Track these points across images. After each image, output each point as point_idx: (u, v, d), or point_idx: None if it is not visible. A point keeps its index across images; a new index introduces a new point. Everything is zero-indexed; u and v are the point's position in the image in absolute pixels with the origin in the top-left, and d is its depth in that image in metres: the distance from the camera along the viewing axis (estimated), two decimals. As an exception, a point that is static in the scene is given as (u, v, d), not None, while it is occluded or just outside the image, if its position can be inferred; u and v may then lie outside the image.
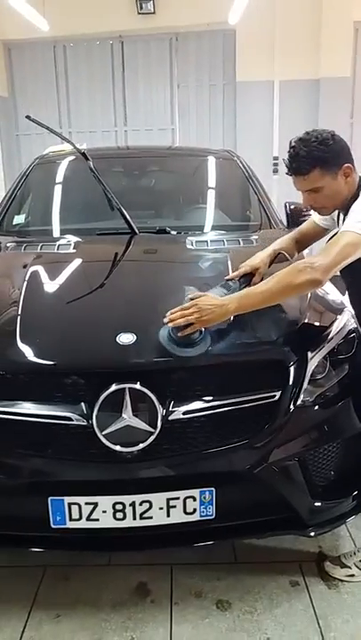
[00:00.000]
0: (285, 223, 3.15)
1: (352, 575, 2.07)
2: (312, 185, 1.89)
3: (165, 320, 1.76)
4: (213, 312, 1.75)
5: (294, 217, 3.12)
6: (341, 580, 2.07)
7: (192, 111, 7.38)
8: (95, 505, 1.73)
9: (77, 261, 2.44)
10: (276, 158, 6.98)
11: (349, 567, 2.08)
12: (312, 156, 1.85)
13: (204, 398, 1.76)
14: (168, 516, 1.76)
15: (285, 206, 3.21)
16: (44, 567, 2.15)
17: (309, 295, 2.12)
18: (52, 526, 1.75)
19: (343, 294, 2.27)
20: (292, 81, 6.98)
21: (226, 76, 7.22)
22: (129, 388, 1.68)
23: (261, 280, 2.00)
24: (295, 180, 1.93)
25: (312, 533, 1.95)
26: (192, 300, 1.79)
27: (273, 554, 2.21)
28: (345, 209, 1.93)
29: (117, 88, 7.33)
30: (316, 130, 1.92)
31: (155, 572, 2.12)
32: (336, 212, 2.04)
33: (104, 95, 7.33)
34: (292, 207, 3.14)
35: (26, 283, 2.13)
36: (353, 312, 2.15)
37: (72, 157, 3.48)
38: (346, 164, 1.88)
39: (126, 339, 1.77)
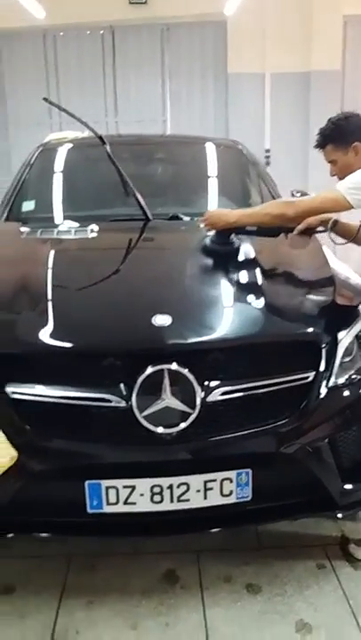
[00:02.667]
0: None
1: (378, 556, 2.10)
2: (329, 158, 2.27)
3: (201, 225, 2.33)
4: (219, 218, 2.25)
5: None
6: (367, 562, 2.09)
7: (183, 103, 7.31)
8: (133, 488, 1.70)
9: (99, 246, 2.40)
10: (267, 150, 6.99)
11: (375, 548, 2.11)
12: (325, 134, 2.25)
13: (241, 379, 1.74)
14: (205, 498, 1.74)
15: (291, 194, 3.25)
16: (69, 557, 2.11)
17: (336, 280, 2.13)
18: (89, 511, 1.71)
19: None
20: (283, 73, 6.97)
21: (217, 68, 7.17)
22: (168, 370, 1.66)
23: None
24: None
25: (340, 515, 1.96)
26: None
27: (296, 539, 2.21)
28: None
29: (108, 78, 7.22)
30: (344, 112, 2.27)
31: (181, 559, 2.10)
32: None
33: (95, 85, 7.21)
34: (297, 194, 3.17)
35: (50, 268, 2.08)
36: None
37: (75, 144, 3.43)
38: (356, 143, 2.16)
39: (162, 320, 1.75)
